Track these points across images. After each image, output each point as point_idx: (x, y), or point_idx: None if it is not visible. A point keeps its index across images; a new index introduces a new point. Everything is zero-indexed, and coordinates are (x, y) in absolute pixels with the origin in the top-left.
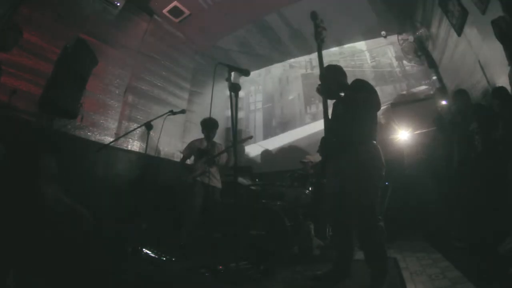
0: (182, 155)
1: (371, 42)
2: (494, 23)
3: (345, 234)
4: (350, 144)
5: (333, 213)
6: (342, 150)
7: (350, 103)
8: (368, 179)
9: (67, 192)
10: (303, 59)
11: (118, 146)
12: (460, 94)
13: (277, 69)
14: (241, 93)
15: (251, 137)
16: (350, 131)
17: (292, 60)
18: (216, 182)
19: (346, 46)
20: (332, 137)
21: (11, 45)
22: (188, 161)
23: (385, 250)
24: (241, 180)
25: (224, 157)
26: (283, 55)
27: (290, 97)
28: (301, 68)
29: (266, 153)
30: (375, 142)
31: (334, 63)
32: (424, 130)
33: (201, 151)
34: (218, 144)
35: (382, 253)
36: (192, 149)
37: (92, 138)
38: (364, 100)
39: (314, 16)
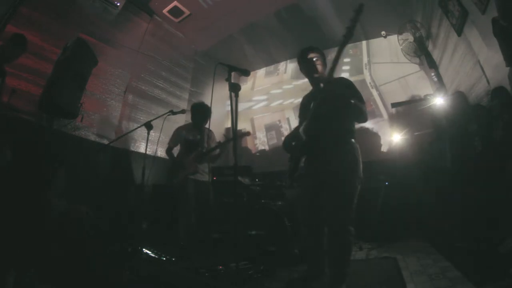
0: (168, 146)
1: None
2: (495, 20)
3: (318, 235)
4: (337, 142)
5: (309, 211)
6: (329, 148)
7: (339, 99)
8: (352, 177)
9: (67, 192)
10: None
11: (118, 146)
12: (458, 96)
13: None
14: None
15: (248, 133)
16: (336, 129)
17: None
18: (206, 176)
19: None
20: (313, 136)
21: (15, 58)
22: (175, 149)
23: (350, 259)
24: (240, 180)
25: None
26: (286, 55)
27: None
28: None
29: (266, 153)
30: (354, 140)
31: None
32: (424, 130)
33: (189, 143)
34: (208, 131)
35: (346, 261)
36: (178, 137)
37: (92, 138)
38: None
39: (360, 9)
